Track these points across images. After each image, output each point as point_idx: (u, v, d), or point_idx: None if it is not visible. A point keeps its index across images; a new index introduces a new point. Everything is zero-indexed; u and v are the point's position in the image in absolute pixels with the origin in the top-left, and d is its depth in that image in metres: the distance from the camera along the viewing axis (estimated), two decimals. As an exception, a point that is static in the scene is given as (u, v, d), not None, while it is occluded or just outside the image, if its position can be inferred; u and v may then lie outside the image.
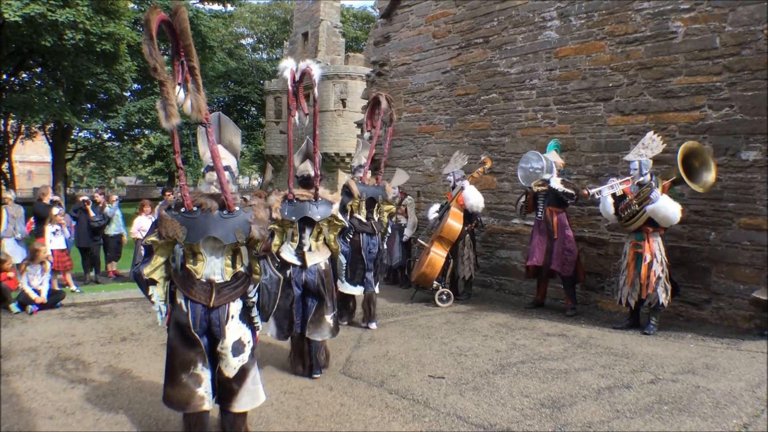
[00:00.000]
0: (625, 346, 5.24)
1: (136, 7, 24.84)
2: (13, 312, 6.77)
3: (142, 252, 11.75)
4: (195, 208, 3.12)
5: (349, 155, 24.22)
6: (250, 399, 3.25)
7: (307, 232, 4.57)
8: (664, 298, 5.55)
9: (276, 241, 4.52)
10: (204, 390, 3.17)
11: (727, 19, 5.77)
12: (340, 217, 4.74)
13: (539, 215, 6.71)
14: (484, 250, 8.17)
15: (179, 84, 2.88)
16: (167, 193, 11.66)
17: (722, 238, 5.86)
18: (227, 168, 3.23)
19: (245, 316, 3.27)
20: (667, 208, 5.44)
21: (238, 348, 3.19)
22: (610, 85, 6.72)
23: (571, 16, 7.09)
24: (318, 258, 4.62)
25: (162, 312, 3.26)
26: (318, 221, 4.55)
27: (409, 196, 8.67)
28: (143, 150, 43.17)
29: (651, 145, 5.67)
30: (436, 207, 7.84)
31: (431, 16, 9.11)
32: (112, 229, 11.06)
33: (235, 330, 3.19)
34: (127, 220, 11.52)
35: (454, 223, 7.15)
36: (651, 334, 5.59)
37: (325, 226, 4.66)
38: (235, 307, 3.22)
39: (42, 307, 6.90)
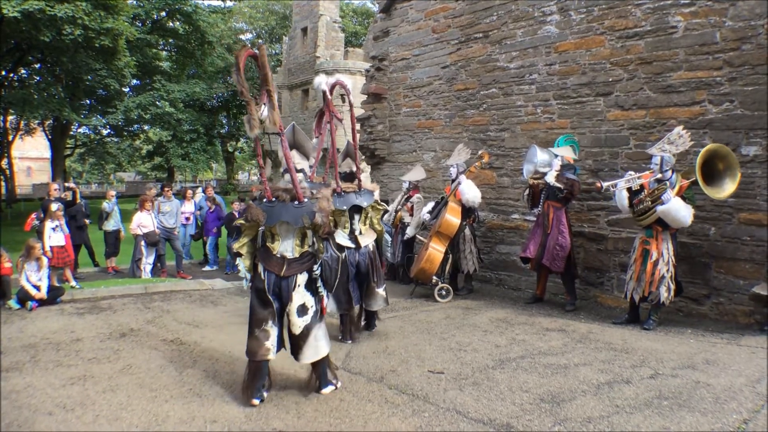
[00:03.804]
0: (624, 342, 5.24)
1: (134, 2, 24.78)
2: (12, 308, 6.76)
3: (143, 248, 11.65)
4: (273, 199, 3.96)
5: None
6: (312, 353, 4.00)
7: (356, 218, 5.39)
8: (666, 297, 5.51)
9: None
10: (270, 343, 3.92)
11: (727, 13, 5.75)
12: (381, 202, 5.55)
13: (538, 209, 6.72)
14: (484, 246, 8.16)
15: (264, 104, 3.69)
16: (166, 189, 11.63)
17: (722, 234, 5.86)
18: (301, 170, 4.18)
19: (310, 286, 4.04)
20: (678, 211, 5.33)
21: (302, 311, 3.96)
22: (610, 79, 6.70)
23: (570, 11, 7.07)
24: (367, 240, 5.44)
25: (246, 279, 4.11)
26: (365, 207, 5.34)
27: (418, 195, 8.45)
28: (142, 146, 43.15)
29: (677, 141, 5.43)
30: (429, 207, 7.76)
31: (431, 10, 9.09)
32: (110, 225, 11.06)
33: (300, 296, 3.97)
34: (127, 216, 11.50)
35: (452, 218, 7.12)
36: (651, 330, 5.59)
37: (370, 211, 5.45)
38: (302, 278, 4.00)
39: (41, 303, 6.90)
